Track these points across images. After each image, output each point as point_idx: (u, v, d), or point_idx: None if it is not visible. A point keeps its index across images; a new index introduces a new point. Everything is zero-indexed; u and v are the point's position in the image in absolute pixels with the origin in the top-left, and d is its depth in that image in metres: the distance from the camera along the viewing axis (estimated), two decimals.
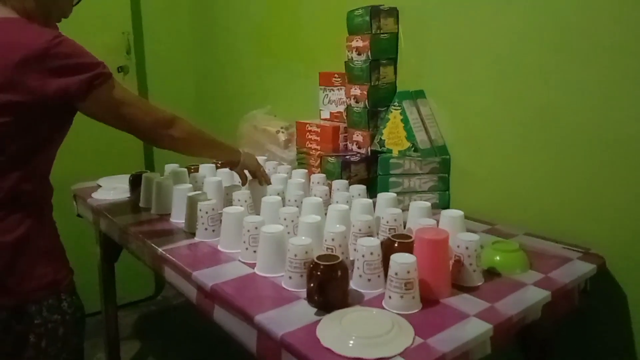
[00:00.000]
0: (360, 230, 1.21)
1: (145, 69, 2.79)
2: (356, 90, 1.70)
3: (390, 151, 1.61)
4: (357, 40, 1.67)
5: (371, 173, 1.72)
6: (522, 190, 1.45)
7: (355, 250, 1.19)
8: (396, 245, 1.11)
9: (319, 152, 1.82)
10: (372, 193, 1.54)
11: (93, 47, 2.57)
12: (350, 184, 1.57)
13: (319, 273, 0.98)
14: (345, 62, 1.73)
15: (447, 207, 1.60)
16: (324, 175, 1.65)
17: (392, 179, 1.58)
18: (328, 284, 0.98)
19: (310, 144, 1.85)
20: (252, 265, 1.19)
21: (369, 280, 1.06)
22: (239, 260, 1.23)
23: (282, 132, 2.09)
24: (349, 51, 1.70)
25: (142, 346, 2.45)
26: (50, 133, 1.17)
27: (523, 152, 1.43)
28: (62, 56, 1.07)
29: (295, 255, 1.06)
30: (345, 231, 1.15)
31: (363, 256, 1.06)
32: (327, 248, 1.13)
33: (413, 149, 1.55)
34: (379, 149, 1.65)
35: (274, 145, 2.10)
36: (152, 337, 2.55)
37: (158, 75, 2.84)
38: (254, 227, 1.21)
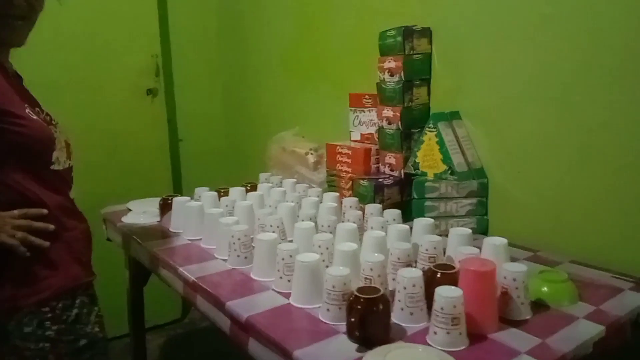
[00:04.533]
0: (399, 259, 1.16)
1: (173, 91, 2.80)
2: (388, 112, 1.66)
3: (425, 174, 1.57)
4: (389, 61, 1.63)
5: (404, 196, 1.67)
6: (567, 215, 1.39)
7: (393, 279, 1.15)
8: (439, 276, 1.06)
9: (350, 174, 1.78)
10: (405, 217, 1.49)
11: (123, 69, 2.62)
12: (383, 207, 1.52)
13: (359, 307, 0.94)
14: (377, 83, 1.70)
15: (485, 232, 1.54)
16: (356, 199, 1.61)
17: (427, 203, 1.53)
18: (369, 319, 0.94)
19: (341, 166, 1.82)
20: (287, 295, 1.15)
21: (411, 314, 1.01)
22: (273, 290, 1.19)
23: (311, 154, 2.06)
24: (380, 72, 1.67)
25: None
26: None
27: (568, 175, 1.37)
28: None
29: (334, 287, 1.02)
30: (384, 260, 1.10)
31: (405, 288, 1.01)
32: (365, 278, 1.08)
33: (449, 172, 1.51)
34: (413, 172, 1.61)
35: (303, 167, 2.07)
36: None
37: (186, 97, 2.85)
38: (288, 255, 1.17)
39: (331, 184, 1.87)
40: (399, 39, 1.60)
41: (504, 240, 1.20)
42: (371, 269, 1.08)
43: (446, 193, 1.53)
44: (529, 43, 1.41)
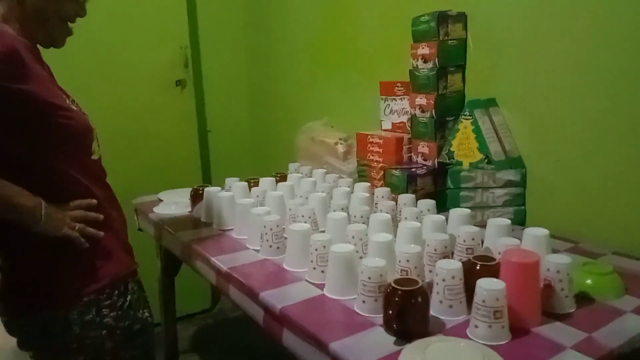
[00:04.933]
0: (435, 250, 1.13)
1: (202, 83, 2.80)
2: (422, 100, 1.62)
3: (460, 163, 1.53)
4: (423, 48, 1.59)
5: (438, 186, 1.63)
6: (609, 205, 1.33)
7: (430, 271, 1.12)
8: (478, 267, 1.03)
9: (381, 164, 1.74)
10: (439, 208, 1.45)
11: (152, 61, 2.62)
12: (416, 198, 1.49)
13: (397, 299, 0.91)
14: (409, 70, 1.66)
15: (522, 223, 1.49)
16: (388, 189, 1.57)
17: (463, 193, 1.49)
18: (408, 311, 0.91)
19: (372, 155, 1.78)
20: (320, 286, 1.13)
21: (451, 306, 0.98)
22: (306, 280, 1.17)
23: (341, 144, 2.03)
24: (414, 59, 1.63)
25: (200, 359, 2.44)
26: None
27: (612, 164, 1.31)
28: None
29: (369, 278, 0.99)
30: (420, 252, 1.07)
31: (444, 280, 0.98)
32: (402, 270, 1.06)
33: (486, 160, 1.46)
34: (447, 161, 1.56)
35: (333, 157, 2.05)
36: (210, 350, 2.54)
37: (214, 88, 2.85)
38: (322, 245, 1.15)
39: (362, 174, 1.84)
40: (433, 24, 1.55)
41: (545, 231, 1.16)
42: (407, 260, 1.05)
43: (482, 183, 1.48)
44: (570, 26, 1.35)
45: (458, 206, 1.48)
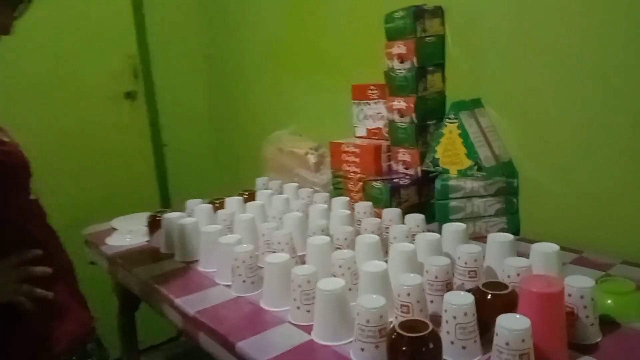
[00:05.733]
0: (437, 277, 0.98)
1: (154, 93, 2.58)
2: (400, 103, 1.48)
3: (447, 171, 1.39)
4: (398, 46, 1.45)
5: (423, 197, 1.50)
6: (614, 209, 1.22)
7: (432, 302, 0.98)
8: (490, 297, 0.89)
9: (359, 175, 1.59)
10: (427, 221, 1.31)
11: (97, 73, 2.40)
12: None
13: (405, 348, 0.76)
14: (384, 71, 1.52)
15: (517, 232, 1.37)
16: (369, 203, 1.43)
17: (452, 204, 1.36)
18: None
19: (348, 166, 1.63)
20: (307, 329, 0.97)
21: (464, 347, 0.84)
22: (290, 323, 1.01)
23: (312, 154, 1.87)
24: (389, 59, 1.49)
25: None
26: None
27: (614, 163, 1.20)
28: None
29: (368, 322, 0.84)
30: (423, 282, 0.93)
31: (454, 318, 0.83)
32: (402, 305, 0.91)
33: (476, 167, 1.33)
34: (432, 169, 1.43)
35: (304, 169, 1.89)
36: None
37: (168, 98, 2.62)
38: (306, 281, 0.99)
39: (337, 187, 1.69)
40: (409, 20, 1.42)
41: (556, 247, 1.03)
42: (408, 294, 0.90)
43: (472, 191, 1.35)
44: (562, 14, 1.24)
45: (448, 218, 1.35)
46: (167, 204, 2.58)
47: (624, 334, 0.91)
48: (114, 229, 1.66)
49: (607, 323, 0.93)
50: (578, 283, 0.88)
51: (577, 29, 1.21)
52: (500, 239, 1.10)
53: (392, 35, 1.48)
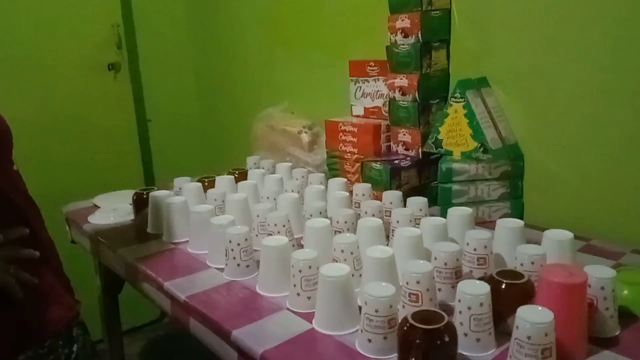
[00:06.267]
0: (446, 264, 0.93)
1: (138, 66, 2.47)
2: (402, 81, 1.41)
3: (450, 153, 1.33)
4: (403, 20, 1.37)
5: (423, 179, 1.44)
6: (622, 195, 1.17)
7: (439, 290, 0.92)
8: (504, 287, 0.83)
9: (356, 155, 1.53)
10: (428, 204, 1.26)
11: (79, 42, 2.28)
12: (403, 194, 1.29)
13: (419, 341, 0.70)
14: (386, 46, 1.44)
15: (521, 217, 1.32)
16: (368, 185, 1.36)
17: (455, 187, 1.30)
18: (434, 355, 0.71)
19: (345, 146, 1.56)
20: (307, 317, 0.91)
21: (478, 340, 0.79)
22: (289, 309, 0.94)
23: (305, 133, 1.80)
24: (392, 33, 1.41)
25: None
26: None
27: (625, 148, 1.15)
28: None
29: (377, 312, 0.78)
30: (432, 270, 0.87)
31: (469, 308, 0.78)
32: (410, 294, 0.85)
33: (482, 149, 1.27)
34: (435, 151, 1.37)
35: (296, 147, 1.81)
36: None
37: (154, 72, 2.51)
38: (307, 266, 0.92)
39: (333, 167, 1.62)
40: None
41: (570, 235, 0.98)
42: (418, 282, 0.84)
43: (477, 175, 1.30)
44: None
45: (450, 202, 1.30)
46: (151, 181, 2.49)
47: None
48: (97, 207, 1.57)
49: (624, 315, 0.88)
50: (599, 273, 0.82)
51: (587, 6, 1.15)
52: (510, 224, 1.05)
53: (396, 8, 1.40)
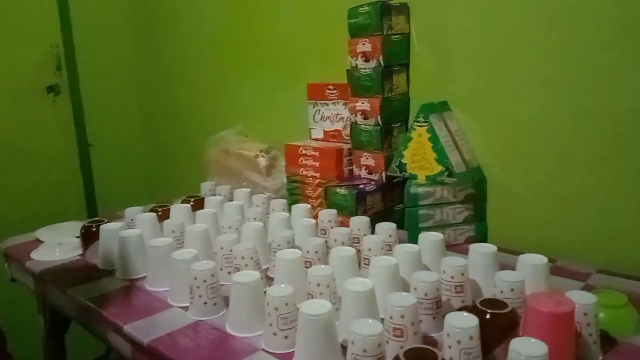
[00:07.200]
0: (426, 295, 0.90)
1: (79, 88, 2.34)
2: (364, 104, 1.39)
3: (414, 177, 1.32)
4: (363, 44, 1.36)
5: (387, 203, 1.42)
6: (587, 215, 1.20)
7: (420, 322, 0.89)
8: (489, 317, 0.82)
9: (318, 180, 1.49)
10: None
11: (15, 63, 2.14)
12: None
13: None
14: (347, 70, 1.43)
15: (484, 240, 1.32)
16: (334, 211, 1.32)
17: (422, 212, 1.29)
18: None
19: (306, 170, 1.52)
20: (285, 357, 0.86)
21: None
22: (264, 351, 0.89)
23: (263, 157, 1.75)
24: (352, 57, 1.40)
25: None
26: None
27: (587, 169, 1.18)
28: None
29: (365, 351, 0.74)
30: (416, 302, 0.84)
31: (459, 342, 0.75)
32: (395, 328, 0.81)
33: (446, 173, 1.27)
34: (399, 175, 1.35)
35: (253, 172, 1.75)
36: None
37: (96, 94, 2.39)
38: (284, 303, 0.87)
39: (293, 192, 1.58)
40: (375, 16, 1.33)
41: (544, 259, 0.98)
42: (402, 317, 0.81)
43: (442, 198, 1.29)
44: (531, 15, 1.20)
45: (417, 226, 1.29)
46: (94, 210, 2.35)
47: (624, 349, 0.86)
48: (40, 241, 1.45)
49: (603, 339, 0.88)
50: (581, 299, 0.82)
51: (547, 28, 1.18)
52: (484, 250, 1.04)
53: (356, 32, 1.39)
